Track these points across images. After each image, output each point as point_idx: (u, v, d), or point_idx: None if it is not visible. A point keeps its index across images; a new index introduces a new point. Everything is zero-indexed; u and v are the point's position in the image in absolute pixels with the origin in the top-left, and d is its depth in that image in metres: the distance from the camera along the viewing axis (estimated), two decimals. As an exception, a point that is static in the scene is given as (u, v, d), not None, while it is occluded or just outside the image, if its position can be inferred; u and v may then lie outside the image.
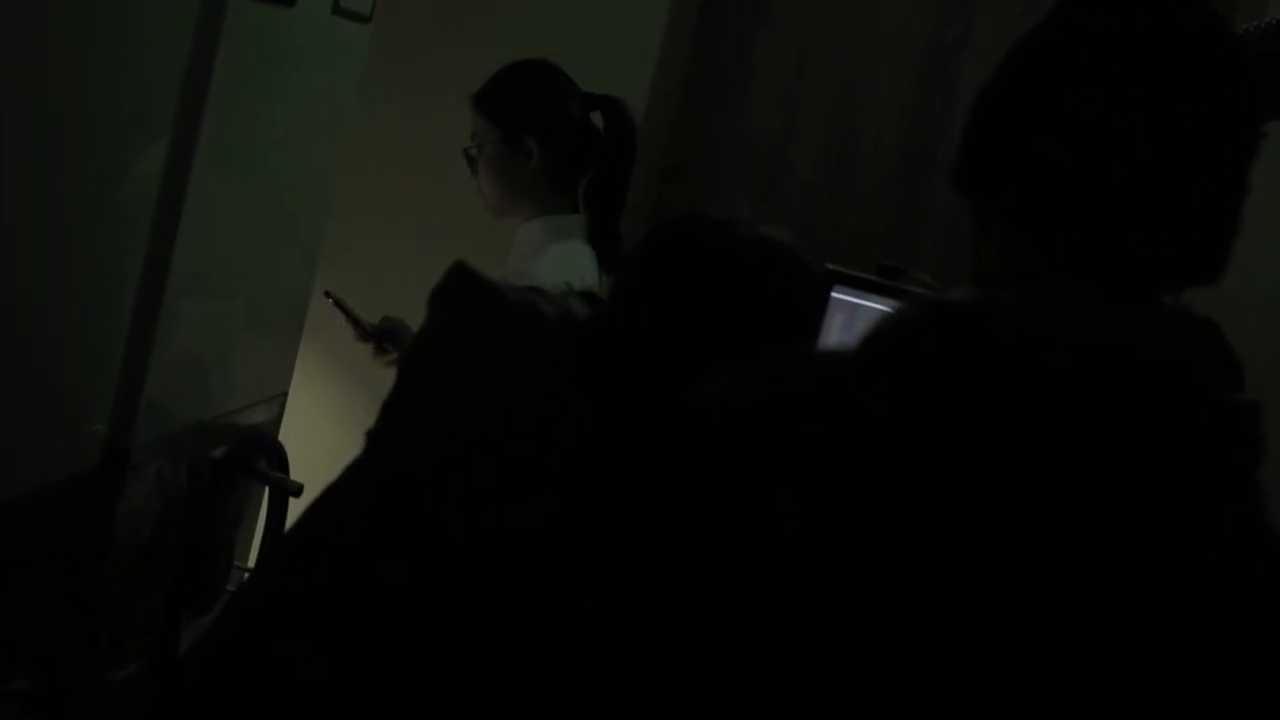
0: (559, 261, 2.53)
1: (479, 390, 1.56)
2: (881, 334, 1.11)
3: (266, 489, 2.52)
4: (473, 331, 1.61)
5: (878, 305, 2.86)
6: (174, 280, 2.19)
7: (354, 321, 2.82)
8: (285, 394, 2.77)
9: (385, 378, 2.80)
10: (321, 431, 3.27)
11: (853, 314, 2.76)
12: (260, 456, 2.46)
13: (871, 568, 1.05)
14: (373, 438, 1.63)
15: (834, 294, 2.25)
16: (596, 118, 2.70)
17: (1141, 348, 1.10)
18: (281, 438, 2.67)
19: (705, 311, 1.57)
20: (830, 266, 2.26)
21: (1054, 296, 1.11)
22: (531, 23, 3.71)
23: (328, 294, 2.84)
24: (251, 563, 2.60)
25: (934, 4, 3.76)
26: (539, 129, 2.63)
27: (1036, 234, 1.19)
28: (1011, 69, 1.24)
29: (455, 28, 3.79)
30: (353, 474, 1.62)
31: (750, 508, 1.09)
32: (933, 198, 3.72)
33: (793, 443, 1.08)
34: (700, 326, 1.55)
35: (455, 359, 1.61)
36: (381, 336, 2.81)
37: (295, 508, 2.23)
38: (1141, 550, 1.05)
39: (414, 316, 2.50)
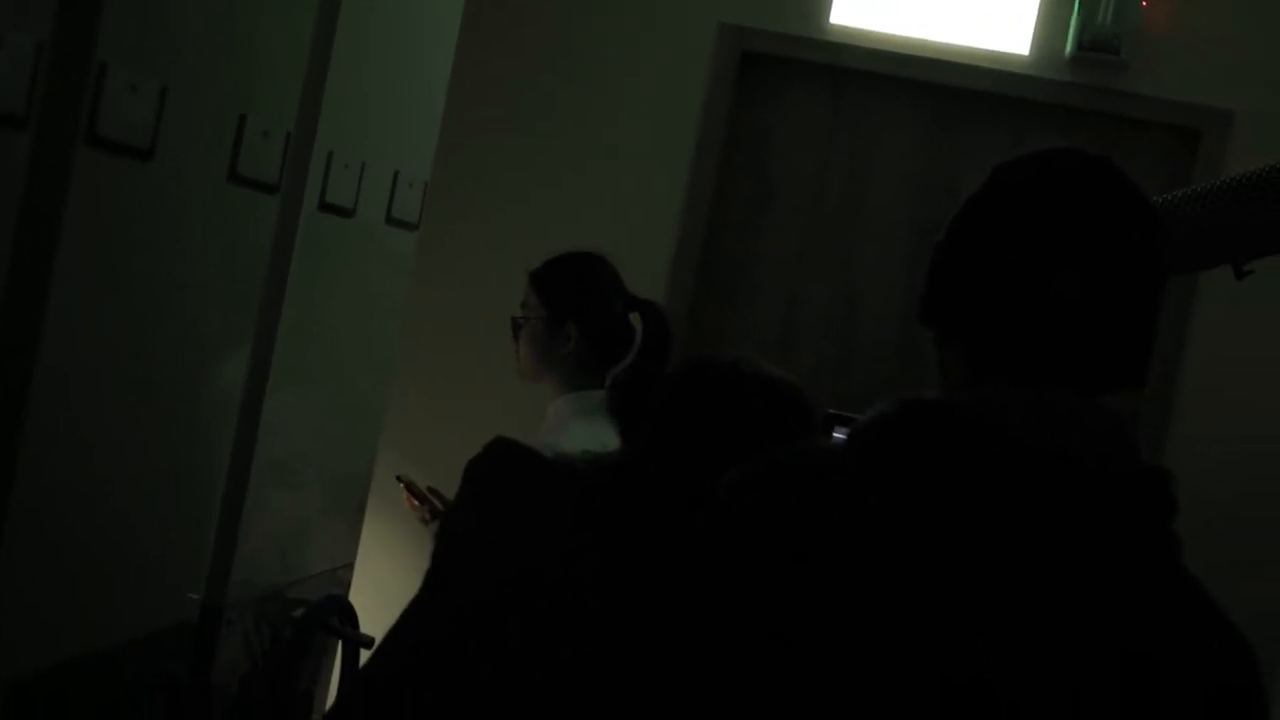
0: (582, 436, 2.58)
1: (522, 542, 1.80)
2: (866, 427, 1.37)
3: (340, 644, 2.77)
4: (515, 489, 1.86)
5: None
6: (257, 469, 2.49)
7: (422, 500, 3.04)
8: (353, 563, 3.04)
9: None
10: (388, 592, 3.52)
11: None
12: (334, 615, 2.72)
13: (858, 653, 1.29)
14: (424, 586, 1.88)
15: (835, 434, 2.54)
16: (635, 318, 2.83)
17: (1070, 435, 1.35)
18: (352, 598, 2.93)
19: (719, 436, 1.83)
20: (830, 411, 2.53)
21: (1000, 394, 1.38)
22: (558, 224, 4.06)
23: (399, 478, 3.09)
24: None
25: (918, 195, 4.13)
26: (581, 318, 2.80)
27: (985, 352, 1.45)
28: (959, 224, 1.52)
29: (488, 226, 4.15)
30: (405, 621, 1.87)
31: (756, 597, 1.33)
32: (927, 360, 4.02)
33: (790, 522, 1.33)
34: (715, 451, 1.82)
35: (498, 515, 1.85)
36: (448, 516, 3.05)
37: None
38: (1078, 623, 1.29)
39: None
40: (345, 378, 2.88)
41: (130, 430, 2.12)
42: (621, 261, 2.95)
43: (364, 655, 2.67)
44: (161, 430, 2.21)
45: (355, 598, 2.96)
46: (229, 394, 2.41)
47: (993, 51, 4.01)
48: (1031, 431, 1.33)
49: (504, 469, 1.87)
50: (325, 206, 2.53)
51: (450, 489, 3.06)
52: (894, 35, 4.06)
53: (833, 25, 4.09)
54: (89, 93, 1.85)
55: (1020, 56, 4.00)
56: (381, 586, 3.46)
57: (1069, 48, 3.93)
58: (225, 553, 2.46)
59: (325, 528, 2.95)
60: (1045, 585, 1.27)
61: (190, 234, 2.17)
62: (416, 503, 2.95)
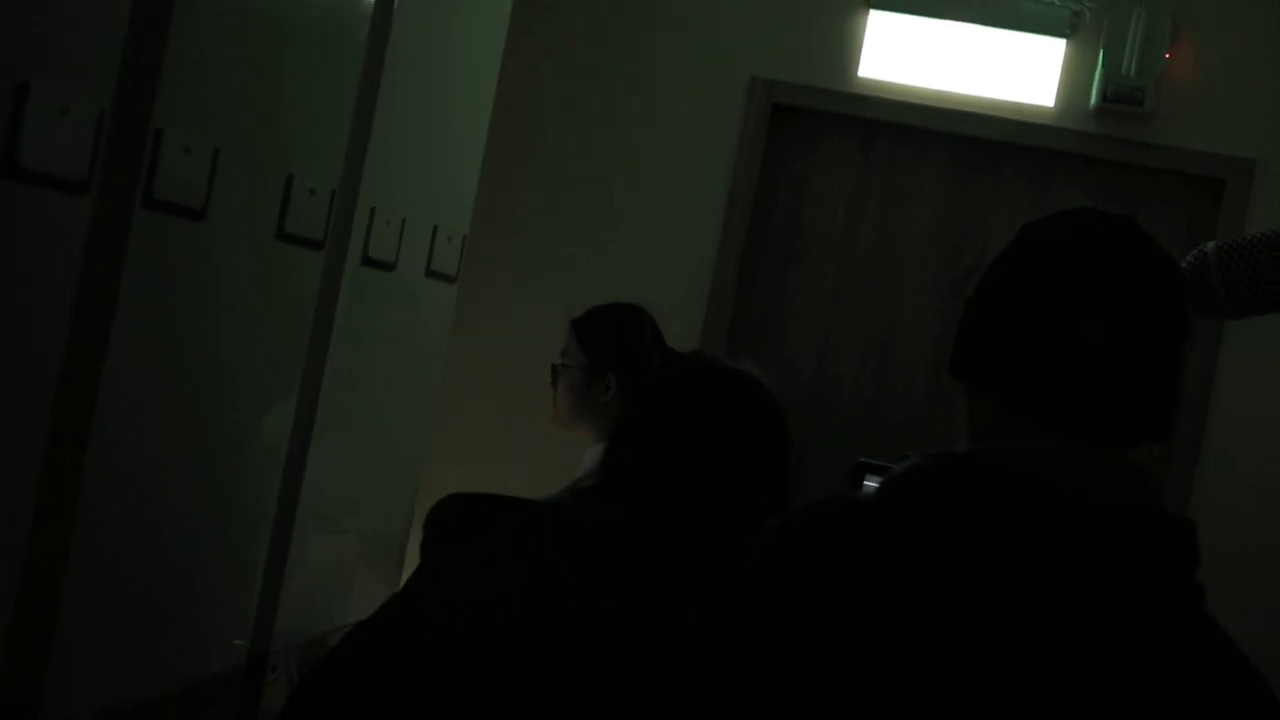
0: None
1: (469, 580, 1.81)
2: (899, 479, 1.43)
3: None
4: (463, 534, 1.87)
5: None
6: (301, 518, 2.55)
7: None
8: (393, 612, 3.09)
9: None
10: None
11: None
12: (376, 664, 2.76)
13: (889, 674, 1.34)
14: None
15: (866, 482, 2.58)
16: None
17: (1099, 487, 1.41)
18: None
19: (693, 422, 1.89)
20: (861, 459, 2.58)
21: (1029, 446, 1.43)
22: (597, 274, 4.14)
23: None
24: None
25: (948, 239, 4.19)
26: (621, 368, 2.87)
27: (1014, 405, 1.51)
28: (989, 282, 1.57)
29: (530, 281, 4.22)
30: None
31: (790, 627, 1.39)
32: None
33: (828, 571, 1.39)
34: (693, 435, 1.88)
35: (448, 562, 1.86)
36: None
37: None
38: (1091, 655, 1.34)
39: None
40: (387, 429, 2.94)
41: (182, 479, 2.18)
42: (656, 310, 3.01)
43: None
44: (212, 479, 2.28)
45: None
46: (276, 444, 2.47)
47: (1018, 103, 4.09)
48: (1062, 482, 1.38)
49: (451, 519, 1.89)
50: (368, 261, 2.60)
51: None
52: (922, 88, 4.14)
53: (861, 78, 4.17)
54: (146, 157, 1.92)
55: (1045, 108, 4.07)
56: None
57: (1093, 99, 4.00)
58: (271, 600, 2.52)
59: (366, 578, 3.00)
60: (1075, 633, 1.33)
61: (240, 289, 2.24)
62: None
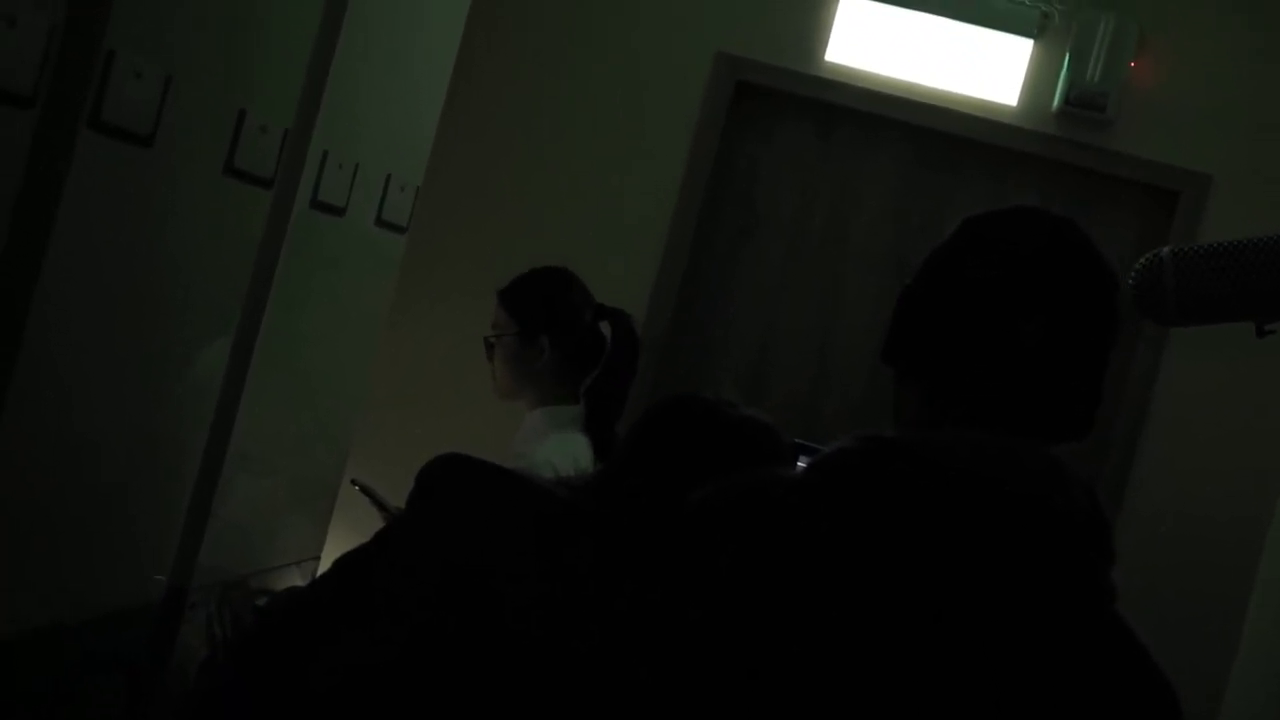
0: (556, 448, 2.70)
1: (473, 542, 1.72)
2: (827, 459, 1.44)
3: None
4: (470, 494, 1.78)
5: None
6: (231, 457, 2.53)
7: (380, 505, 3.06)
8: (318, 557, 3.08)
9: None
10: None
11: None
12: (296, 608, 2.75)
13: (807, 646, 1.35)
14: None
15: (799, 463, 2.58)
16: (605, 326, 2.90)
17: (1019, 480, 1.42)
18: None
19: (693, 471, 1.73)
20: (797, 440, 2.57)
21: (954, 435, 1.44)
22: (549, 235, 4.13)
23: (354, 482, 3.11)
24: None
25: (898, 234, 4.20)
26: (553, 330, 2.86)
27: (941, 393, 1.52)
28: (926, 272, 1.58)
29: (476, 236, 4.20)
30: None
31: (714, 596, 1.40)
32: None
33: (752, 543, 1.39)
34: (685, 484, 1.81)
35: (450, 515, 1.76)
36: (404, 519, 3.07)
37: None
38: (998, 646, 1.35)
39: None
40: (325, 374, 2.92)
41: (111, 409, 2.16)
42: (606, 275, 3.00)
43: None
44: (141, 411, 2.25)
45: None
46: (209, 381, 2.45)
47: (981, 100, 4.09)
48: (987, 474, 1.39)
49: (459, 476, 1.82)
50: (317, 204, 2.58)
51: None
52: (887, 77, 4.14)
53: (827, 62, 4.16)
54: (95, 78, 1.90)
55: (1007, 107, 4.08)
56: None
57: (1056, 102, 4.02)
58: (194, 536, 2.50)
59: (294, 520, 2.99)
60: (978, 621, 1.34)
61: (183, 222, 2.22)
62: (375, 507, 2.97)
